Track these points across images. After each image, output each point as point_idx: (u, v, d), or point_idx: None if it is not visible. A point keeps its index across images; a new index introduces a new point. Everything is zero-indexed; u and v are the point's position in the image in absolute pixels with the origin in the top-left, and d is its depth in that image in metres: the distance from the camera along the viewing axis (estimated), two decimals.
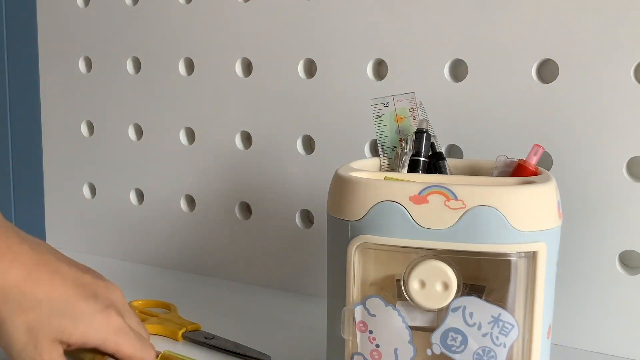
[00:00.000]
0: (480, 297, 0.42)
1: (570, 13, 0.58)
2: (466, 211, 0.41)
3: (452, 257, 0.42)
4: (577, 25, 0.58)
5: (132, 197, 0.85)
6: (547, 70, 0.60)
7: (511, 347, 0.42)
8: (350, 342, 0.45)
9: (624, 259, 0.60)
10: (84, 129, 0.88)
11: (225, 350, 0.58)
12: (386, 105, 0.53)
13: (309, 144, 0.73)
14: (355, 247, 0.44)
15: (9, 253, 0.43)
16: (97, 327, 0.45)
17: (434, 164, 0.51)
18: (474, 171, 0.54)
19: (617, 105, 0.57)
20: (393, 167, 0.52)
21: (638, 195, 0.57)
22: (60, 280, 0.45)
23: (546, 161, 0.60)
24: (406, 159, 0.50)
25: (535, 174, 0.48)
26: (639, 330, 0.58)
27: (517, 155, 0.61)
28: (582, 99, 0.58)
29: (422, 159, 0.50)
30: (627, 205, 0.57)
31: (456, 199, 0.41)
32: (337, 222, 0.45)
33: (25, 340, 0.43)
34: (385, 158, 0.53)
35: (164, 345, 0.60)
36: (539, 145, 0.49)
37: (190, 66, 0.79)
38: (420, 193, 0.42)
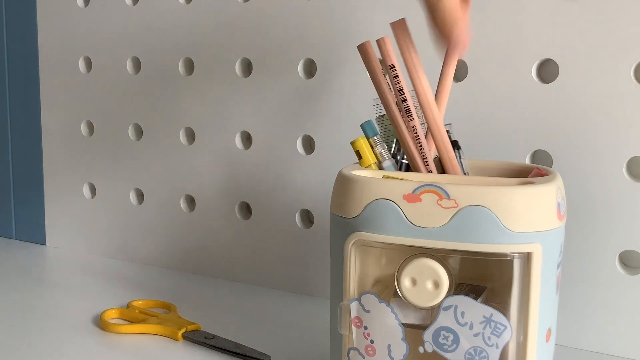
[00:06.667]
0: (475, 298, 0.42)
1: (570, 13, 0.58)
2: (458, 210, 0.41)
3: (445, 256, 0.42)
4: (577, 25, 0.58)
5: (132, 197, 0.85)
6: (547, 70, 0.60)
7: (505, 348, 0.42)
8: (347, 337, 0.45)
9: (624, 259, 0.60)
10: (84, 129, 0.88)
11: (225, 350, 0.58)
12: None
13: (309, 144, 0.73)
14: (351, 243, 0.44)
15: None
16: None
17: None
18: (474, 171, 0.53)
19: (617, 105, 0.57)
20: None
21: (638, 195, 0.57)
22: None
23: (546, 161, 0.60)
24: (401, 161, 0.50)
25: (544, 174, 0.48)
26: (639, 330, 0.58)
27: (517, 155, 0.61)
28: (582, 99, 0.58)
29: (404, 161, 0.51)
30: (627, 205, 0.57)
31: (449, 198, 0.41)
32: (337, 220, 0.45)
33: None
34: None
35: (164, 346, 0.60)
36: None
37: (190, 66, 0.79)
38: (413, 192, 0.42)
